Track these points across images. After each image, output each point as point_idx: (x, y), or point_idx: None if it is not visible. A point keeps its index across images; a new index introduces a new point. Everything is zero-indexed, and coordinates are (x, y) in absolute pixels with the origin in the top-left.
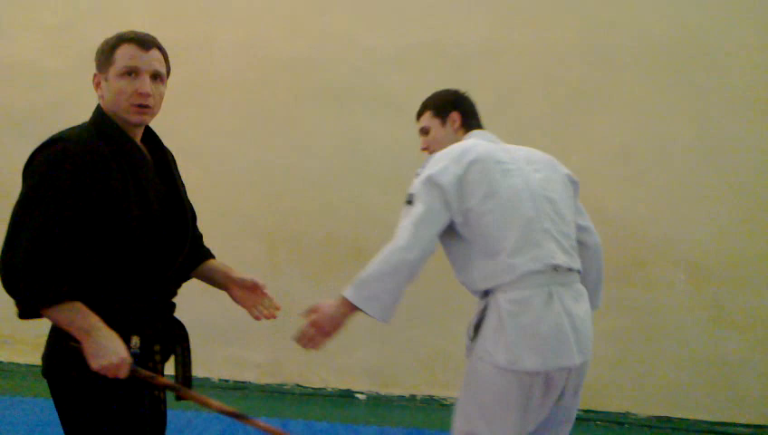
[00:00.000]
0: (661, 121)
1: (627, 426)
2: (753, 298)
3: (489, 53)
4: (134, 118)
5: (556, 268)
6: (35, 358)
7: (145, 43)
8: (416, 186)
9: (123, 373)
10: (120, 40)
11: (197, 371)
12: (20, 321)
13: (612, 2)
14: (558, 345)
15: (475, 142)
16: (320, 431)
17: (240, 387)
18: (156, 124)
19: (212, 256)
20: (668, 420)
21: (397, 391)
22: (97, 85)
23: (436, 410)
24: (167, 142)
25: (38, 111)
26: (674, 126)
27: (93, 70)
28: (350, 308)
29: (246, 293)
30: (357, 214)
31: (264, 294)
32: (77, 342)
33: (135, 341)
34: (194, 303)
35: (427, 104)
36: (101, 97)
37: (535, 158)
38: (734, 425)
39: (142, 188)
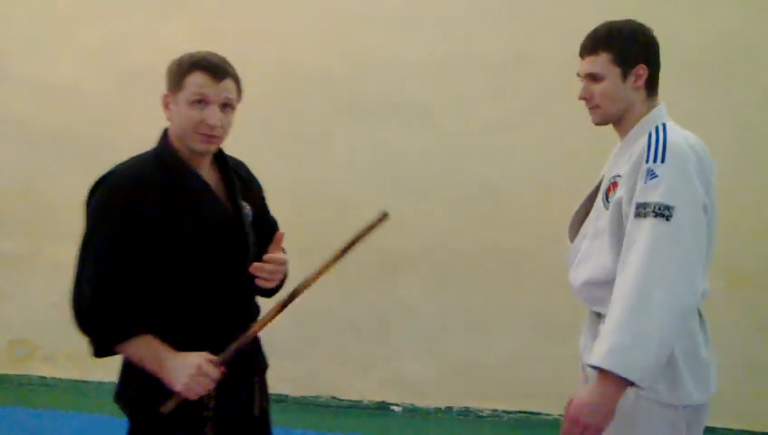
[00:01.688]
0: (699, 127)
1: None
2: None
3: (520, 61)
4: (200, 147)
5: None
6: (76, 373)
7: (218, 72)
8: (676, 198)
9: (214, 372)
10: (193, 66)
11: None
12: (61, 336)
13: (645, 7)
14: (711, 372)
15: (686, 136)
16: None
17: (277, 400)
18: None
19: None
20: (713, 430)
21: (433, 403)
22: (166, 106)
23: (473, 421)
24: None
25: (76, 131)
26: (712, 131)
27: (130, 90)
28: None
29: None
30: (389, 226)
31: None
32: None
33: None
34: None
35: (607, 42)
36: (170, 119)
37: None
38: None
39: (199, 215)
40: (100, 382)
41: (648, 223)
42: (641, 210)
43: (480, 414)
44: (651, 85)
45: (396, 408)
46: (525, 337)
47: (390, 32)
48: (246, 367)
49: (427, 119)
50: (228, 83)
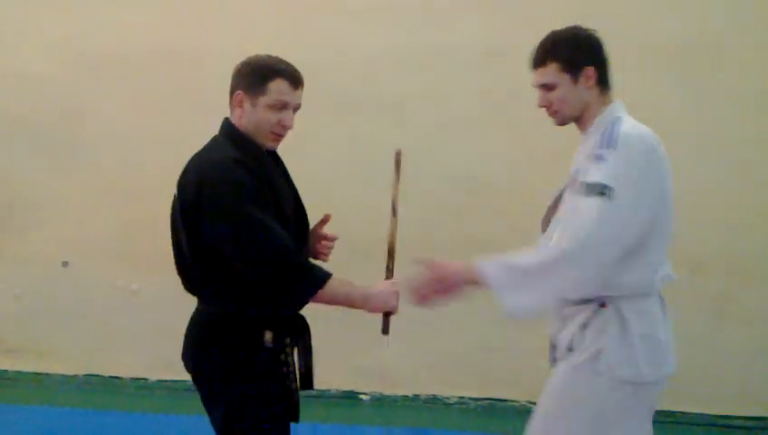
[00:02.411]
0: (667, 122)
1: None
2: (757, 293)
3: (492, 55)
4: (270, 144)
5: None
6: (39, 366)
7: (297, 81)
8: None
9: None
10: (276, 73)
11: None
12: (24, 329)
13: (617, 3)
14: (669, 353)
15: (640, 128)
16: (324, 433)
17: None
18: (154, 130)
19: None
20: (671, 414)
21: (401, 392)
22: (239, 104)
23: (441, 409)
24: (177, 148)
25: (41, 122)
26: (679, 126)
27: (97, 80)
28: None
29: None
30: (358, 217)
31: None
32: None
33: (268, 335)
34: None
35: (553, 52)
36: (239, 116)
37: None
38: (737, 417)
39: (278, 196)
40: (63, 375)
41: (589, 200)
42: (584, 188)
43: (447, 402)
44: (603, 83)
45: (364, 396)
46: (492, 326)
47: (365, 25)
48: (304, 327)
49: (401, 113)
50: (301, 90)
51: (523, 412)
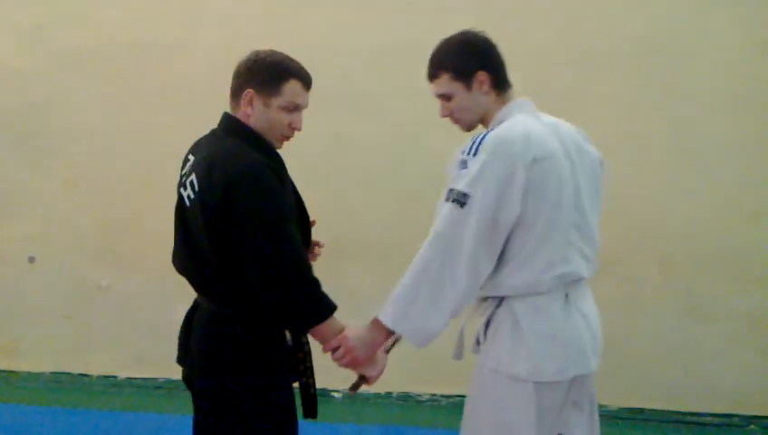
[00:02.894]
0: (636, 120)
1: (599, 418)
2: (724, 291)
3: None
4: (278, 144)
5: (579, 280)
6: (6, 364)
7: (308, 82)
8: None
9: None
10: (290, 74)
11: None
12: None
13: (589, 1)
14: (577, 351)
15: (528, 125)
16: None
17: None
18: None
19: None
20: (641, 411)
21: (373, 389)
22: (249, 103)
23: (413, 406)
24: (148, 144)
25: (9, 113)
26: (648, 124)
27: (67, 72)
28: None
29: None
30: (337, 213)
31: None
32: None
33: (289, 335)
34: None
35: (442, 64)
36: (248, 115)
37: (581, 145)
38: (705, 414)
39: (297, 200)
40: (30, 373)
41: (447, 206)
42: (447, 194)
43: (419, 399)
44: (499, 85)
45: (336, 394)
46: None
47: (341, 19)
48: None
49: (377, 108)
50: (309, 91)
51: None
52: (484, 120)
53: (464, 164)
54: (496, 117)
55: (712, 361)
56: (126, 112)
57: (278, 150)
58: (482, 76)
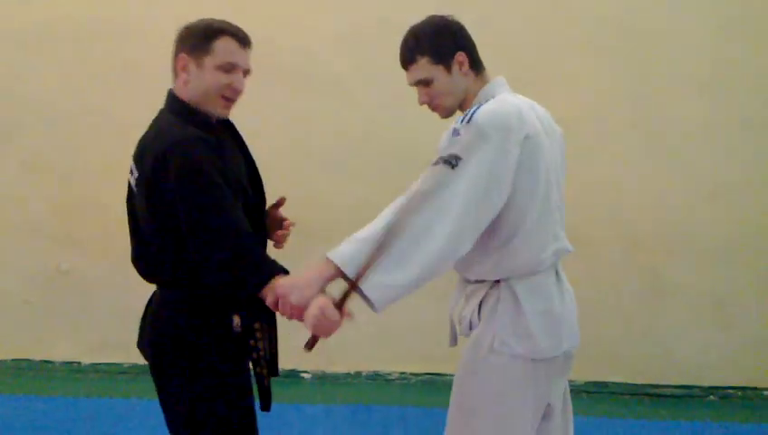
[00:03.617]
0: (601, 99)
1: None
2: (687, 268)
3: None
4: (221, 111)
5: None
6: None
7: (244, 39)
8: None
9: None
10: (221, 31)
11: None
12: None
13: None
14: (569, 326)
15: (517, 103)
16: (266, 413)
17: None
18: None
19: None
20: (605, 384)
21: (342, 369)
22: (183, 68)
23: (382, 385)
24: (107, 125)
25: None
26: (614, 104)
27: (22, 55)
28: None
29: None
30: (304, 197)
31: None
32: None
33: (237, 320)
34: None
35: (419, 48)
36: (185, 82)
37: (550, 123)
38: (667, 386)
39: (232, 167)
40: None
41: (436, 167)
42: (437, 159)
43: (388, 377)
44: (475, 65)
45: (305, 375)
46: (430, 303)
47: (310, 2)
48: (272, 313)
49: (339, 89)
50: (249, 50)
51: None
52: (463, 105)
53: (456, 132)
54: (479, 96)
55: (674, 336)
56: (84, 93)
57: (230, 120)
58: (461, 57)
